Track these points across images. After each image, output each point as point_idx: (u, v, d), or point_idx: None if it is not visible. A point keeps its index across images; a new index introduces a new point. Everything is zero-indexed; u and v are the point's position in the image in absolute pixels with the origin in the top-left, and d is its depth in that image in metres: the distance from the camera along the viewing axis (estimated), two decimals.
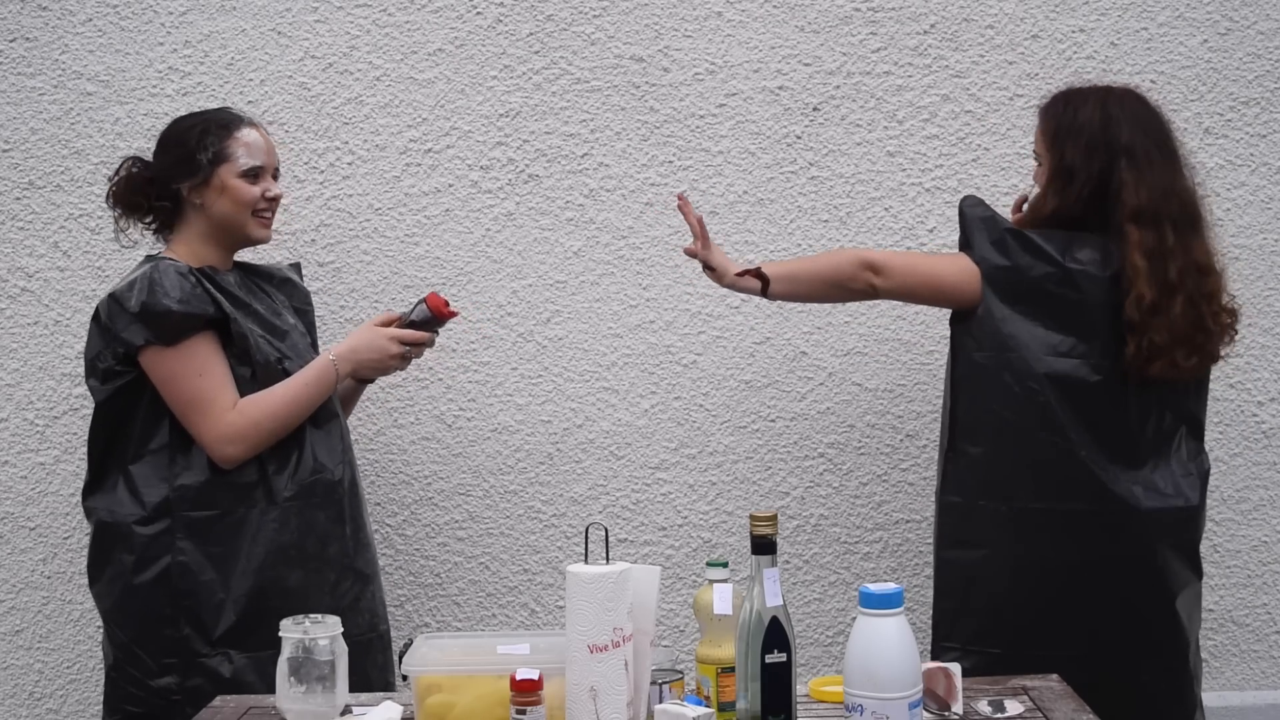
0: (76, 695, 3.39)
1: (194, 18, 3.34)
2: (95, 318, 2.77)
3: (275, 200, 2.87)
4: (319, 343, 3.03)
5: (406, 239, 3.36)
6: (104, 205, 3.29)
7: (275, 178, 2.88)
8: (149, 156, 2.88)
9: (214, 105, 3.28)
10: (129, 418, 2.76)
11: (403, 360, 2.91)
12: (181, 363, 2.70)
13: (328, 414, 2.87)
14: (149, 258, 2.84)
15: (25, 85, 3.35)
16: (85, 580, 2.87)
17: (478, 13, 3.35)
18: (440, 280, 3.35)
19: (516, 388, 3.37)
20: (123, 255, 3.11)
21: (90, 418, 2.80)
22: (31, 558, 3.37)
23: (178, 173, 2.81)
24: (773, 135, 3.36)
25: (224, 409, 2.71)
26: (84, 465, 2.86)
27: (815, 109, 3.36)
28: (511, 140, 3.35)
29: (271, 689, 2.25)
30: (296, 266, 3.11)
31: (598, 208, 3.36)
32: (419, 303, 2.91)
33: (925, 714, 2.11)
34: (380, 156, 3.36)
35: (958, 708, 2.21)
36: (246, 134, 2.83)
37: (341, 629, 2.17)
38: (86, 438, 2.81)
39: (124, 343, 2.70)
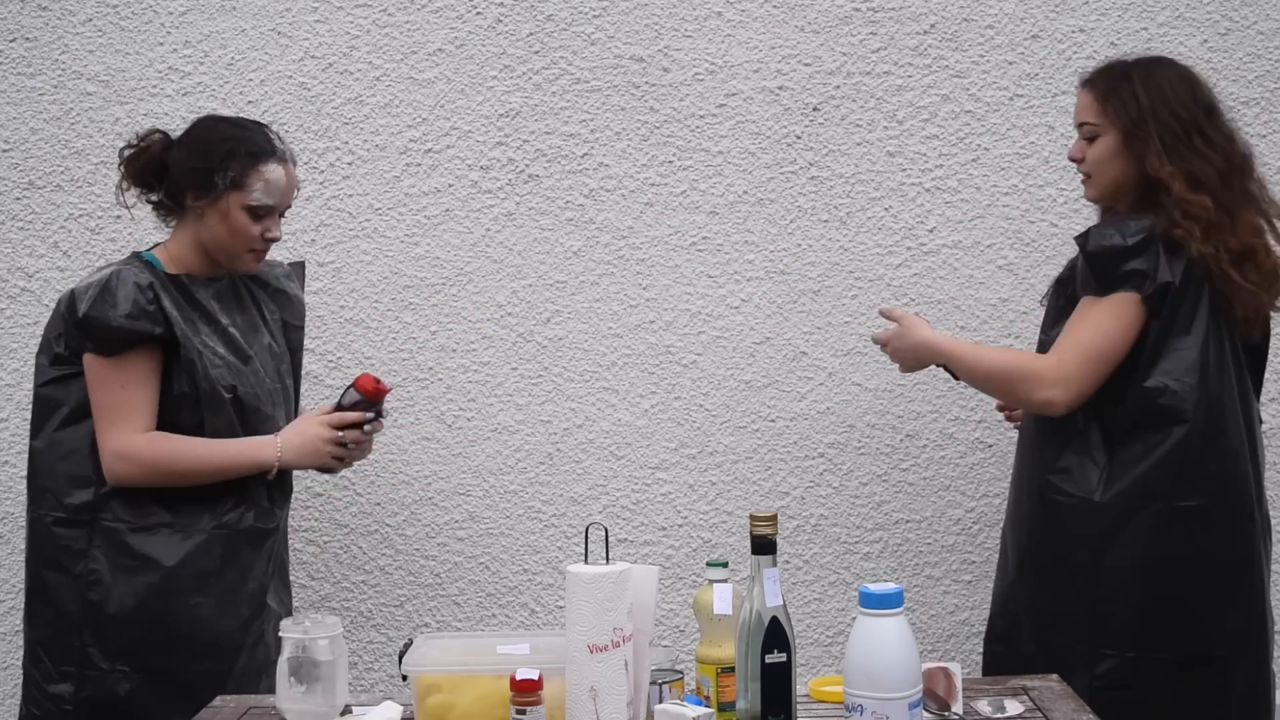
0: None
1: (194, 18, 3.34)
2: (59, 304, 2.71)
3: (273, 241, 2.75)
4: (302, 363, 2.94)
5: (406, 239, 3.36)
6: (104, 205, 3.31)
7: (283, 214, 2.77)
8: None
9: (214, 106, 3.29)
10: (62, 406, 2.70)
11: (339, 447, 2.75)
12: (112, 372, 2.63)
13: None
14: (134, 255, 2.77)
15: (25, 85, 3.34)
16: None
17: (478, 13, 3.35)
18: (440, 280, 3.35)
19: (516, 388, 3.37)
20: (123, 255, 3.10)
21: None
22: None
23: (189, 181, 2.69)
24: (773, 135, 3.36)
25: (132, 427, 2.63)
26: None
27: (815, 109, 3.36)
28: (511, 140, 3.35)
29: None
30: (300, 266, 2.99)
31: (598, 208, 3.36)
32: (349, 387, 2.80)
33: (925, 714, 2.11)
34: (380, 156, 3.35)
35: (958, 708, 2.21)
36: (272, 170, 2.70)
37: (341, 629, 2.17)
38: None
39: (72, 340, 2.67)
